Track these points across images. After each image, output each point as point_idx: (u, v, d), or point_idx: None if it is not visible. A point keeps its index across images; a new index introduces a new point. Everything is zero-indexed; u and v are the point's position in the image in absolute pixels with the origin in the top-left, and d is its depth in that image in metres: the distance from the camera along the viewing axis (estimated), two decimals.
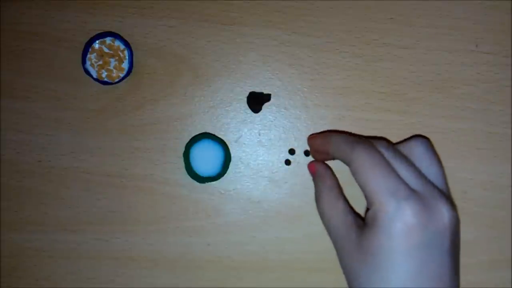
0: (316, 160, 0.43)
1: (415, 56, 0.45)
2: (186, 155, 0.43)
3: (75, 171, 0.44)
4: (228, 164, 0.44)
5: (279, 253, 0.45)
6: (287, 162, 0.45)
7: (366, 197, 0.35)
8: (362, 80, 0.45)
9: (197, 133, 0.45)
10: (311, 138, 0.43)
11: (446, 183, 0.38)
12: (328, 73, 0.45)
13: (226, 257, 0.45)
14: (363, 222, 0.36)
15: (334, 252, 0.45)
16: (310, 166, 0.42)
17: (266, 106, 0.45)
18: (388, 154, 0.36)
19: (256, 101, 0.44)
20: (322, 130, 0.45)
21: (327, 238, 0.45)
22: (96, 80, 0.43)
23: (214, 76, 0.45)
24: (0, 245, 0.44)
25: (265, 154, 0.45)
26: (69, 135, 0.45)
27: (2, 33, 0.44)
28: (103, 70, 0.43)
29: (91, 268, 0.45)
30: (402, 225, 0.32)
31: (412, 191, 0.34)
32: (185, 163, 0.44)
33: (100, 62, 0.43)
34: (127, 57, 0.43)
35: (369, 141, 0.37)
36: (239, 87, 0.45)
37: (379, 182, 0.33)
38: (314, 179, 0.42)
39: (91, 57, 0.43)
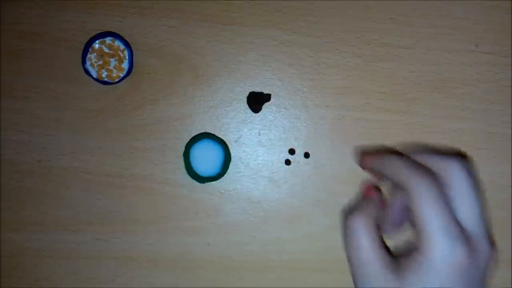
0: (370, 182, 0.40)
1: (415, 56, 0.45)
2: (186, 155, 0.43)
3: (75, 171, 0.44)
4: (228, 164, 0.44)
5: (279, 253, 0.45)
6: (287, 162, 0.45)
7: (418, 230, 0.33)
8: (362, 80, 0.45)
9: (197, 133, 0.45)
10: (367, 156, 0.39)
11: (485, 215, 0.36)
12: (328, 73, 0.45)
13: (226, 257, 0.45)
14: (394, 257, 0.35)
15: (334, 252, 0.45)
16: (366, 188, 0.39)
17: (266, 106, 0.45)
18: (443, 186, 0.35)
19: (256, 101, 0.44)
20: (322, 130, 0.45)
21: (327, 238, 0.45)
22: (96, 80, 0.43)
23: (214, 76, 0.45)
24: (0, 245, 0.44)
25: (265, 154, 0.45)
26: (69, 135, 0.45)
27: (2, 33, 0.44)
28: (103, 70, 0.43)
29: (91, 268, 0.45)
30: (453, 264, 0.32)
31: (463, 230, 0.33)
32: (185, 163, 0.44)
33: (100, 62, 0.43)
34: (127, 57, 0.43)
35: (429, 170, 0.35)
36: (239, 87, 0.45)
37: (437, 221, 0.32)
38: (363, 198, 0.38)
39: (91, 57, 0.43)
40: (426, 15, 0.45)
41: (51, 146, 0.44)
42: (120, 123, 0.45)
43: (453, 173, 0.35)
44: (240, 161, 0.45)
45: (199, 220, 0.45)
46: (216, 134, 0.45)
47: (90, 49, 0.43)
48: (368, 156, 0.39)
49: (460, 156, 0.37)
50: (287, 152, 0.45)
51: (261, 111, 0.45)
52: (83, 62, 0.43)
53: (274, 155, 0.45)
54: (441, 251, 0.32)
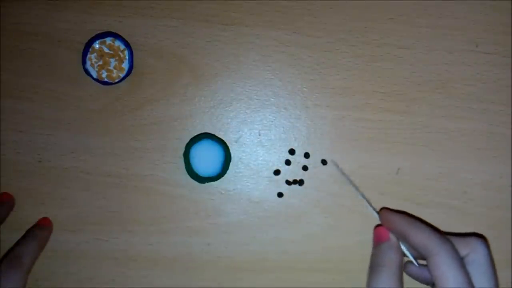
0: (388, 228, 0.39)
1: (415, 56, 0.45)
2: (186, 155, 0.43)
3: (75, 171, 0.44)
4: (228, 164, 0.44)
5: (279, 253, 0.45)
6: (287, 162, 0.45)
7: None
8: (362, 80, 0.45)
9: (197, 133, 0.45)
10: (388, 212, 0.40)
11: None
12: (328, 73, 0.45)
13: (226, 257, 0.45)
14: None
15: (334, 252, 0.45)
16: (381, 231, 0.39)
17: (266, 106, 0.45)
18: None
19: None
20: (322, 130, 0.45)
21: (327, 238, 0.45)
22: (96, 80, 0.43)
23: (214, 76, 0.45)
24: (0, 245, 0.44)
25: (265, 154, 0.45)
26: (69, 135, 0.45)
27: (2, 33, 0.44)
28: (103, 70, 0.43)
29: (91, 268, 0.45)
30: None
31: None
32: (185, 163, 0.44)
33: (100, 62, 0.43)
34: (127, 57, 0.43)
35: (451, 241, 0.37)
36: (239, 87, 0.45)
37: (460, 284, 0.34)
38: (381, 247, 0.38)
39: (91, 57, 0.43)
40: (426, 15, 0.45)
41: (51, 146, 0.44)
42: (120, 123, 0.45)
43: (475, 248, 0.37)
44: (240, 161, 0.45)
45: (199, 220, 0.45)
46: (216, 134, 0.45)
47: (90, 49, 0.43)
48: (396, 215, 0.39)
49: (478, 236, 0.39)
50: (287, 152, 0.45)
51: (261, 111, 0.45)
52: (83, 62, 0.43)
53: (274, 155, 0.45)
54: None
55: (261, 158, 0.45)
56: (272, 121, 0.45)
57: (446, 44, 0.46)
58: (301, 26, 0.45)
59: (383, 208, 0.42)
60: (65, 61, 0.44)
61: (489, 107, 0.46)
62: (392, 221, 0.39)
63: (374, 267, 0.37)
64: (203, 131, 0.45)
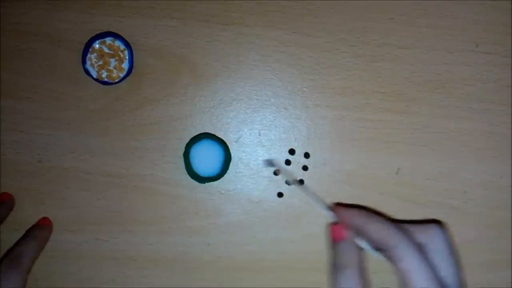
0: (344, 225, 0.38)
1: (415, 56, 0.45)
2: (186, 155, 0.43)
3: (75, 171, 0.44)
4: (228, 164, 0.44)
5: (279, 253, 0.45)
6: (287, 162, 0.45)
7: (408, 285, 0.34)
8: (362, 80, 0.45)
9: (197, 133, 0.45)
10: (343, 209, 0.39)
11: (462, 276, 0.37)
12: (328, 73, 0.45)
13: (226, 257, 0.45)
14: None
15: None
16: (337, 229, 0.37)
17: (266, 106, 0.45)
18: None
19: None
20: (322, 130, 0.45)
21: (327, 238, 0.45)
22: (96, 80, 0.43)
23: (214, 76, 0.45)
24: (0, 245, 0.44)
25: (265, 154, 0.45)
26: (69, 135, 0.45)
27: (2, 33, 0.44)
28: (103, 70, 0.43)
29: (91, 268, 0.45)
30: None
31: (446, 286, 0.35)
32: (185, 163, 0.44)
33: (100, 62, 0.43)
34: (127, 57, 0.43)
35: (409, 232, 0.37)
36: (239, 87, 0.45)
37: (426, 274, 0.34)
38: (339, 247, 0.37)
39: (91, 57, 0.43)
40: (426, 15, 0.45)
41: (51, 146, 0.44)
42: (120, 123, 0.45)
43: (434, 236, 0.37)
44: (240, 161, 0.45)
45: (199, 220, 0.45)
46: (216, 134, 0.45)
47: (90, 49, 0.43)
48: (350, 211, 0.39)
49: (437, 222, 0.38)
50: (287, 152, 0.45)
51: (261, 111, 0.45)
52: (83, 62, 0.43)
53: (274, 155, 0.45)
54: None
55: (261, 158, 0.45)
56: (272, 121, 0.45)
57: (446, 44, 0.46)
58: (301, 26, 0.45)
59: (335, 204, 0.42)
60: (65, 61, 0.44)
61: (489, 107, 0.46)
62: (347, 217, 0.38)
63: (335, 269, 0.36)
64: (203, 131, 0.45)
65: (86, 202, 0.44)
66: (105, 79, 0.43)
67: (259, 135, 0.45)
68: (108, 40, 0.43)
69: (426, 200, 0.45)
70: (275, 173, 0.45)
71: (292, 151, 0.45)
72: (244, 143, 0.45)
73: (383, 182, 0.45)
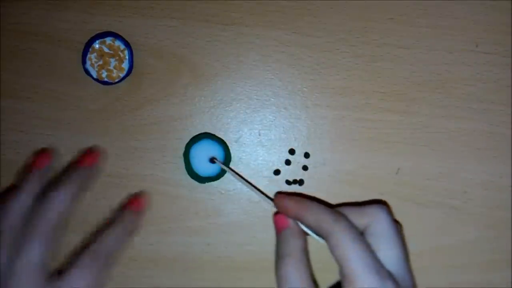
0: (284, 214, 0.38)
1: (415, 56, 0.45)
2: (186, 155, 0.43)
3: None
4: (228, 164, 0.44)
5: None
6: (287, 162, 0.45)
7: (345, 272, 0.33)
8: (362, 80, 0.45)
9: (197, 133, 0.45)
10: (281, 197, 0.39)
11: (407, 258, 0.37)
12: (328, 73, 0.45)
13: (226, 257, 0.45)
14: None
15: None
16: (279, 219, 0.38)
17: (266, 106, 0.45)
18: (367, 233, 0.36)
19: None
20: (322, 130, 0.45)
21: None
22: (96, 80, 0.43)
23: (214, 76, 0.45)
24: None
25: (265, 154, 0.45)
26: (69, 135, 0.45)
27: (2, 33, 0.44)
28: (103, 70, 0.43)
29: None
30: None
31: (390, 272, 0.34)
32: (185, 163, 0.44)
33: (100, 62, 0.43)
34: (127, 57, 0.43)
35: (345, 216, 0.36)
36: (239, 87, 0.45)
37: (363, 259, 0.33)
38: (282, 236, 0.37)
39: (91, 57, 0.43)
40: (426, 15, 0.45)
41: (51, 146, 0.44)
42: (120, 123, 0.45)
43: (375, 217, 0.36)
44: (240, 161, 0.45)
45: (199, 220, 0.45)
46: (216, 134, 0.45)
47: (90, 49, 0.43)
48: (282, 197, 0.39)
49: (379, 203, 0.38)
50: (287, 152, 0.45)
51: (261, 111, 0.45)
52: (83, 62, 0.43)
53: (274, 155, 0.45)
54: None
55: (261, 158, 0.45)
56: (272, 121, 0.45)
57: (446, 44, 0.46)
58: (301, 26, 0.45)
59: (277, 193, 0.41)
60: (65, 61, 0.44)
61: (489, 107, 0.46)
62: (285, 206, 0.38)
63: (279, 257, 0.36)
64: (203, 131, 0.45)
65: (86, 202, 0.44)
66: (105, 79, 0.43)
67: (259, 135, 0.45)
68: (108, 40, 0.43)
69: (426, 200, 0.45)
70: (276, 173, 0.45)
71: (292, 151, 0.45)
72: (244, 143, 0.45)
73: (383, 182, 0.45)
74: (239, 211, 0.45)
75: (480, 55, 0.46)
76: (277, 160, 0.45)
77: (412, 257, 0.45)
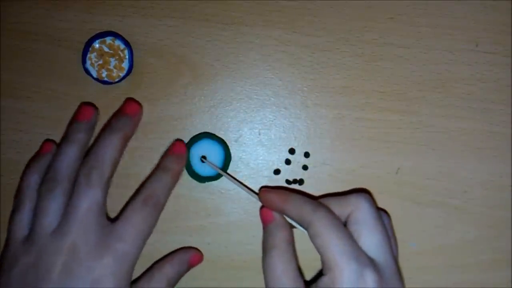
0: (268, 207, 0.40)
1: (415, 55, 0.45)
2: (186, 154, 0.43)
3: None
4: (228, 164, 0.44)
5: None
6: (287, 162, 0.45)
7: (325, 261, 0.34)
8: (362, 79, 0.45)
9: (197, 133, 0.45)
10: (265, 192, 0.40)
11: (391, 244, 0.37)
12: (328, 72, 0.45)
13: (226, 257, 0.45)
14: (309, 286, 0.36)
15: None
16: (264, 212, 0.39)
17: (266, 106, 0.45)
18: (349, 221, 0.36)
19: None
20: (322, 129, 0.45)
21: None
22: (96, 79, 0.43)
23: (214, 76, 0.45)
24: (0, 245, 0.44)
25: (265, 154, 0.45)
26: None
27: (2, 32, 0.44)
28: (103, 70, 0.43)
29: None
30: None
31: (369, 257, 0.34)
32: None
33: (100, 62, 0.43)
34: (127, 57, 0.43)
35: (325, 205, 0.37)
36: (239, 86, 0.45)
37: (341, 247, 0.33)
38: (268, 229, 0.38)
39: (91, 56, 0.43)
40: (426, 15, 0.45)
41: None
42: None
43: (356, 205, 0.36)
44: (240, 161, 0.45)
45: (199, 219, 0.45)
46: (216, 133, 0.45)
47: (90, 49, 0.43)
48: (266, 191, 0.40)
49: (361, 191, 0.38)
50: (287, 152, 0.45)
51: (261, 110, 0.45)
52: (83, 61, 0.43)
53: (274, 154, 0.45)
54: (349, 277, 0.32)
55: (261, 158, 0.45)
56: (272, 121, 0.45)
57: (446, 43, 0.46)
58: (301, 26, 0.45)
59: (262, 188, 0.42)
60: (65, 60, 0.44)
61: (489, 106, 0.46)
62: (268, 200, 0.39)
63: (264, 250, 0.37)
64: (203, 131, 0.45)
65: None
66: (105, 79, 0.43)
67: (259, 134, 0.45)
68: (108, 39, 0.43)
69: (426, 199, 0.45)
70: (276, 172, 0.45)
71: (292, 151, 0.45)
72: (244, 143, 0.45)
73: (383, 182, 0.45)
74: (239, 211, 0.45)
75: (480, 54, 0.46)
76: (277, 159, 0.45)
77: (412, 257, 0.45)
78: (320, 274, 0.35)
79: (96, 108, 0.42)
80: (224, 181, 0.45)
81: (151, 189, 0.39)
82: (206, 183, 0.45)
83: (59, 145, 0.40)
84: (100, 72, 0.43)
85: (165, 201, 0.40)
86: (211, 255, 0.45)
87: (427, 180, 0.45)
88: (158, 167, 0.41)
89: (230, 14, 0.45)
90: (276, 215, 0.39)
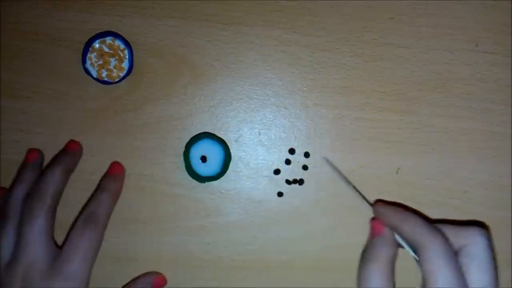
0: (379, 219, 0.39)
1: (415, 55, 0.45)
2: (186, 154, 0.43)
3: (75, 171, 0.44)
4: (228, 164, 0.44)
5: (279, 253, 0.45)
6: (287, 162, 0.45)
7: (425, 283, 0.34)
8: (362, 79, 0.45)
9: (197, 133, 0.45)
10: (381, 205, 0.39)
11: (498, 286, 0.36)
12: (328, 72, 0.45)
13: (226, 257, 0.45)
14: None
15: (333, 251, 0.45)
16: (376, 224, 0.38)
17: (266, 105, 0.45)
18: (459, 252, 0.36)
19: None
20: (322, 129, 0.45)
21: (327, 238, 0.45)
22: (96, 79, 0.43)
23: (214, 76, 0.45)
24: None
25: (265, 154, 0.45)
26: (69, 135, 0.45)
27: (2, 32, 0.44)
28: (103, 70, 0.43)
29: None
30: None
31: None
32: (185, 162, 0.44)
33: (100, 62, 0.43)
34: (127, 57, 0.43)
35: (441, 232, 0.36)
36: (239, 86, 0.45)
37: (448, 279, 0.33)
38: (374, 241, 0.37)
39: (91, 56, 0.43)
40: (426, 15, 0.45)
41: (51, 146, 0.44)
42: (120, 123, 0.45)
43: (473, 240, 0.35)
44: (240, 161, 0.45)
45: (199, 219, 0.45)
46: (216, 133, 0.45)
47: (90, 49, 0.43)
48: (382, 205, 0.39)
49: (480, 226, 0.37)
50: (287, 152, 0.45)
51: (261, 110, 0.45)
52: (83, 61, 0.43)
53: (274, 154, 0.45)
54: None
55: (261, 158, 0.45)
56: (272, 121, 0.45)
57: (446, 43, 0.46)
58: (301, 26, 0.45)
59: (378, 201, 0.42)
60: (65, 60, 0.44)
61: (489, 106, 0.46)
62: (384, 214, 0.38)
63: (363, 262, 0.36)
64: (203, 131, 0.45)
65: (86, 202, 0.44)
66: (105, 79, 0.43)
67: (259, 134, 0.45)
68: (108, 39, 0.43)
69: (426, 199, 0.45)
70: (276, 172, 0.45)
71: (292, 151, 0.45)
72: (244, 143, 0.45)
73: (383, 182, 0.45)
74: (239, 211, 0.45)
75: (480, 54, 0.46)
76: (277, 159, 0.45)
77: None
78: None
79: (38, 151, 0.44)
80: (224, 181, 0.45)
81: (91, 209, 0.41)
82: (206, 183, 0.45)
83: (10, 186, 0.43)
84: (100, 72, 0.43)
85: (106, 218, 0.42)
86: (211, 255, 0.45)
87: (427, 180, 0.45)
88: (97, 188, 0.43)
89: (230, 14, 0.45)
90: (387, 229, 0.37)
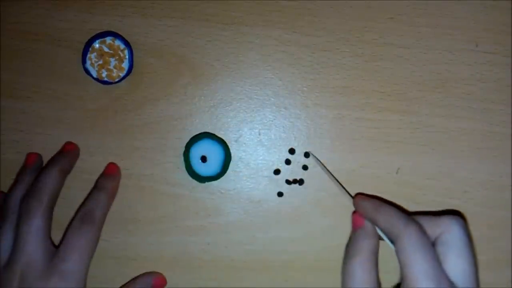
0: (360, 213, 0.40)
1: (415, 55, 0.45)
2: (186, 154, 0.43)
3: (75, 171, 0.44)
4: (228, 164, 0.44)
5: (279, 253, 0.45)
6: (287, 162, 0.45)
7: (405, 278, 0.34)
8: (362, 79, 0.45)
9: (197, 133, 0.45)
10: (359, 198, 0.41)
11: (476, 273, 0.36)
12: (328, 72, 0.45)
13: (226, 257, 0.45)
14: None
15: (334, 251, 0.45)
16: (356, 217, 0.39)
17: (266, 105, 0.45)
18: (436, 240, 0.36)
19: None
20: (322, 129, 0.45)
21: (327, 238, 0.45)
22: (96, 79, 0.43)
23: (214, 76, 0.45)
24: None
25: (265, 154, 0.45)
26: (69, 135, 0.45)
27: (2, 33, 0.44)
28: (103, 70, 0.43)
29: (91, 268, 0.44)
30: None
31: (449, 280, 0.34)
32: (185, 162, 0.44)
33: (100, 62, 0.43)
34: (127, 57, 0.43)
35: (417, 221, 0.36)
36: (239, 86, 0.45)
37: (424, 267, 0.33)
38: (356, 234, 0.38)
39: (91, 56, 0.43)
40: (426, 15, 0.45)
41: (51, 146, 0.44)
42: (120, 123, 0.45)
43: (448, 228, 0.36)
44: (240, 161, 0.45)
45: (199, 219, 0.45)
46: (216, 133, 0.45)
47: (90, 49, 0.43)
48: (361, 198, 0.40)
49: (456, 214, 0.38)
50: (287, 152, 0.45)
51: (261, 110, 0.45)
52: (83, 61, 0.43)
53: (274, 154, 0.45)
54: None
55: (261, 158, 0.45)
56: (272, 121, 0.45)
57: (446, 43, 0.46)
58: (301, 26, 0.45)
59: (357, 194, 0.43)
60: (65, 60, 0.44)
61: (489, 106, 0.46)
62: (362, 207, 0.39)
63: (348, 255, 0.37)
64: (203, 131, 0.45)
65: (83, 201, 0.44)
66: (105, 79, 0.43)
67: (259, 134, 0.45)
68: (108, 39, 0.43)
69: (426, 199, 0.45)
70: (276, 172, 0.45)
71: (292, 151, 0.45)
72: (244, 143, 0.45)
73: (383, 182, 0.45)
74: (239, 211, 0.45)
75: (480, 54, 0.46)
76: (277, 159, 0.45)
77: None
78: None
79: (38, 155, 0.44)
80: (224, 181, 0.45)
81: (87, 207, 0.41)
82: (206, 183, 0.45)
83: (9, 188, 0.43)
84: (100, 72, 0.43)
85: (103, 217, 0.41)
86: (211, 255, 0.45)
87: (427, 180, 0.45)
88: (93, 188, 0.43)
89: (230, 14, 0.45)
90: (367, 222, 0.38)
